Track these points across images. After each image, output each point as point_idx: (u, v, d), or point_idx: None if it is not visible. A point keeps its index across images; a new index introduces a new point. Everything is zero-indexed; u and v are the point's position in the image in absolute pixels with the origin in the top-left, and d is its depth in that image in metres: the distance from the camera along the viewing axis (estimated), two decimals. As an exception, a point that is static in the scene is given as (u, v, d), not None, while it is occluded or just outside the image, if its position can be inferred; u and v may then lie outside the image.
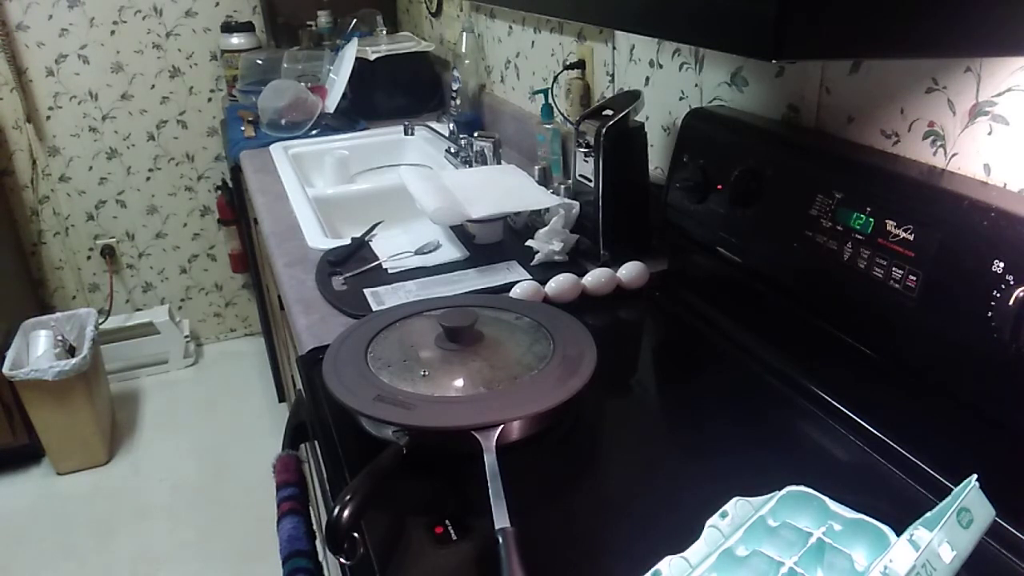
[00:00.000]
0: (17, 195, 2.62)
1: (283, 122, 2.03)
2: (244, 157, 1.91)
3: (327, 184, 1.77)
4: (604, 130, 1.08)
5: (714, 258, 0.97)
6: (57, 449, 2.32)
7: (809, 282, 0.82)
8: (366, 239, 1.28)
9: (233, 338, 3.09)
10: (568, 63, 1.47)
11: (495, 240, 1.26)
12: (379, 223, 1.34)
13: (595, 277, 1.06)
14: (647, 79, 1.25)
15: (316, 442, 0.84)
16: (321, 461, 0.80)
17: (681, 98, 1.17)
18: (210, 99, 2.73)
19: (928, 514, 0.53)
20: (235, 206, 2.52)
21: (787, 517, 0.59)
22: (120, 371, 2.80)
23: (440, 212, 1.18)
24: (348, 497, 0.61)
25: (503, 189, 1.30)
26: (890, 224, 0.71)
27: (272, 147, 1.94)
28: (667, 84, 1.20)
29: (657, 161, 1.23)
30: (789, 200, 0.84)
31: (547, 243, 1.15)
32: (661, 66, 1.21)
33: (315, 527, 0.81)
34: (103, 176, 2.71)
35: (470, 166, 1.62)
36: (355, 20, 2.38)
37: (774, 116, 0.98)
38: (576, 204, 1.19)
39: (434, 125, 1.98)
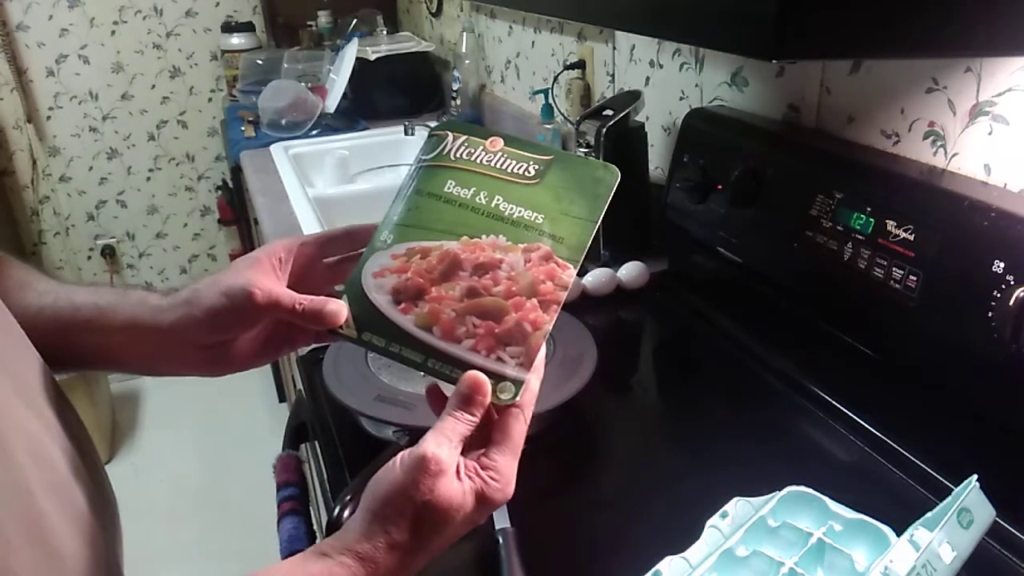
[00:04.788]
0: (17, 195, 2.62)
1: (283, 122, 2.03)
2: (244, 157, 1.91)
3: (327, 184, 1.77)
4: (604, 130, 1.08)
5: (714, 258, 0.97)
6: (57, 449, 2.32)
7: (809, 282, 0.82)
8: (366, 239, 1.28)
9: (233, 338, 3.08)
10: (568, 63, 1.47)
11: (495, 240, 1.25)
12: (379, 223, 1.33)
13: (595, 277, 1.06)
14: (647, 79, 1.25)
15: (316, 442, 0.84)
16: (321, 461, 0.80)
17: (681, 98, 1.17)
18: (210, 99, 2.73)
19: (928, 514, 0.53)
20: (235, 206, 2.52)
21: (787, 517, 0.59)
22: (120, 371, 2.80)
23: (440, 212, 1.17)
24: (348, 497, 0.61)
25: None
26: (890, 224, 0.71)
27: (272, 147, 1.94)
28: (667, 84, 1.20)
29: (657, 161, 1.23)
30: (789, 200, 0.84)
31: (547, 243, 1.15)
32: (661, 66, 1.21)
33: (315, 527, 0.81)
34: (103, 176, 2.71)
35: (470, 166, 1.62)
36: (355, 20, 2.38)
37: (774, 116, 0.98)
38: (576, 204, 1.19)
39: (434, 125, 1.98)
